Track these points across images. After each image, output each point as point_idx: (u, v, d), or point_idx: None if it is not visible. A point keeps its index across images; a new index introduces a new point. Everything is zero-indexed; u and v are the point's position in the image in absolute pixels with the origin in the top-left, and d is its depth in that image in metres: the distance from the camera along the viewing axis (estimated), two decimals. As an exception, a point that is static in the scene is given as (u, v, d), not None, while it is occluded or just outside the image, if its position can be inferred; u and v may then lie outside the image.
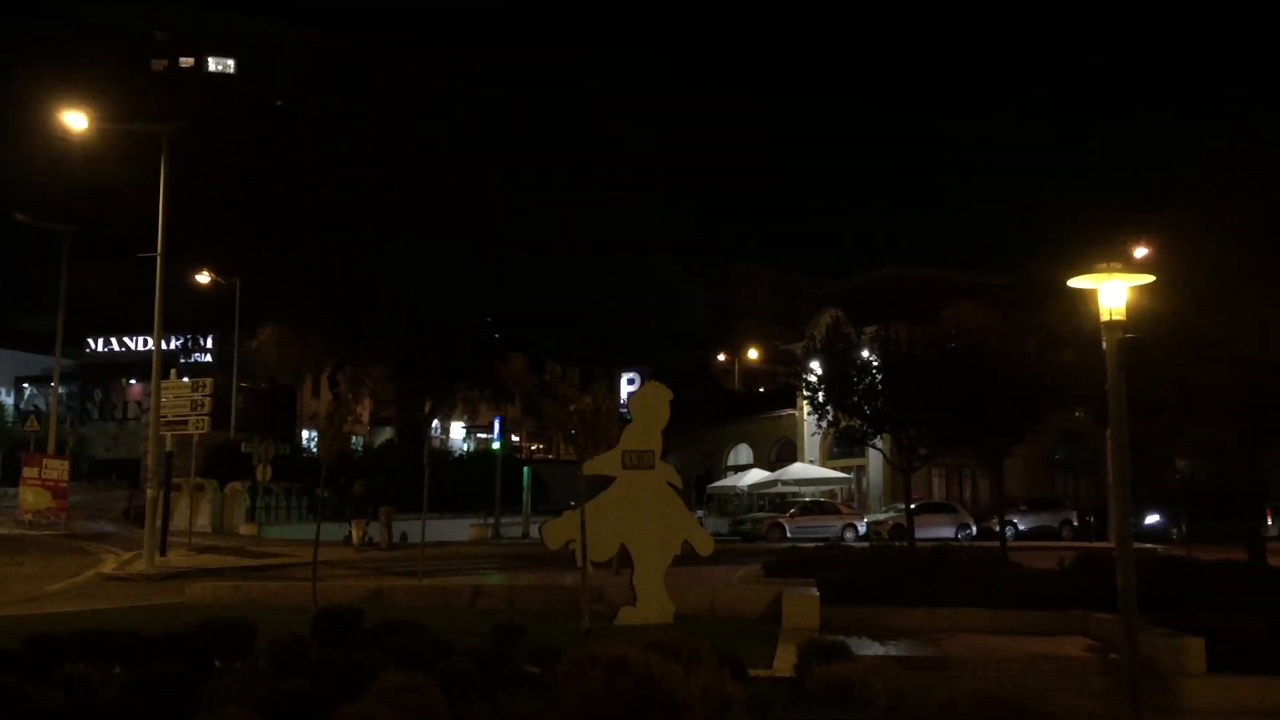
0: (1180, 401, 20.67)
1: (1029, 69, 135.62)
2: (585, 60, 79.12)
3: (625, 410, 17.41)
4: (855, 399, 26.78)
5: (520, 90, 54.06)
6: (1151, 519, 40.76)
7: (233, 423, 48.64)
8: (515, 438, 71.56)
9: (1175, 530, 39.39)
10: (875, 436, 27.62)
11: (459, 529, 41.40)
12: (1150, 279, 10.69)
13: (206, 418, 28.74)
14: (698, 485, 59.29)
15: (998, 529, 28.91)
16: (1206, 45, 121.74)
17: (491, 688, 8.01)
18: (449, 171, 48.86)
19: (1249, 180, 21.21)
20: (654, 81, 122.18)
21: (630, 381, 47.10)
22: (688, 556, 16.53)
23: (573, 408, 14.83)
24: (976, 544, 31.35)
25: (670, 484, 16.29)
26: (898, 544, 29.51)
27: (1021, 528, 41.44)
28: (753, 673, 9.56)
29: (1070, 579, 18.63)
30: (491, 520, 42.39)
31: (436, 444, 70.26)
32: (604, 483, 16.12)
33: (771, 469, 54.03)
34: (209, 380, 29.81)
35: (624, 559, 17.23)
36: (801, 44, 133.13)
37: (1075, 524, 44.29)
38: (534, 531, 33.66)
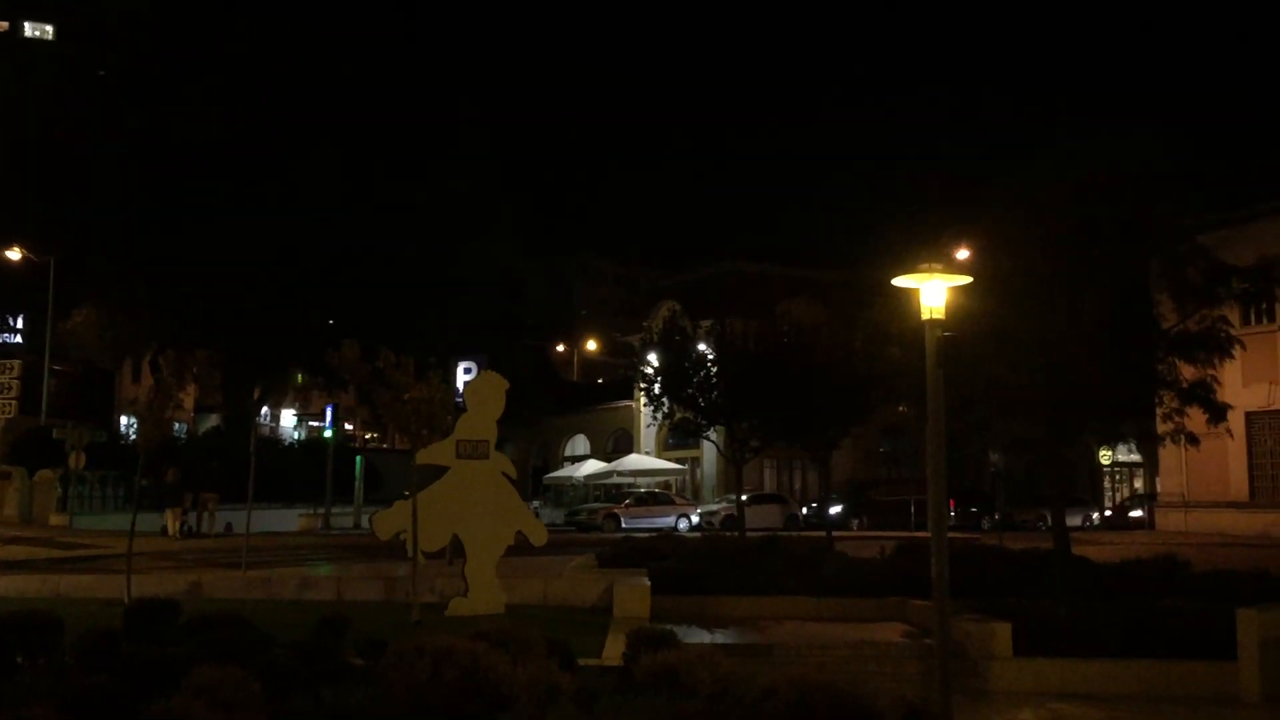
0: (994, 398, 21.61)
1: (867, 70, 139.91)
2: (427, 42, 77.83)
3: (461, 400, 17.24)
4: (690, 391, 27.19)
5: (361, 71, 52.71)
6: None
7: (44, 407, 46.13)
8: (349, 426, 70.04)
9: (986, 520, 41.33)
10: (709, 428, 28.10)
11: (287, 519, 40.25)
12: (968, 280, 11.15)
13: (14, 401, 27.29)
14: (534, 476, 59.27)
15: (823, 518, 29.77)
16: (1038, 51, 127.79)
17: (315, 681, 7.83)
18: (281, 151, 47.38)
19: (1065, 186, 22.29)
20: (496, 69, 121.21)
21: (467, 371, 46.61)
22: (521, 547, 16.50)
23: (407, 396, 14.62)
24: (804, 534, 32.23)
25: (504, 474, 16.24)
26: (729, 534, 30.10)
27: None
28: (582, 662, 9.61)
29: (890, 567, 19.33)
30: (321, 510, 41.40)
31: (266, 432, 68.18)
32: (438, 472, 15.95)
33: (608, 460, 54.40)
34: (16, 363, 28.30)
35: (457, 549, 17.09)
36: (644, 40, 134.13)
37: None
38: (365, 522, 33.02)
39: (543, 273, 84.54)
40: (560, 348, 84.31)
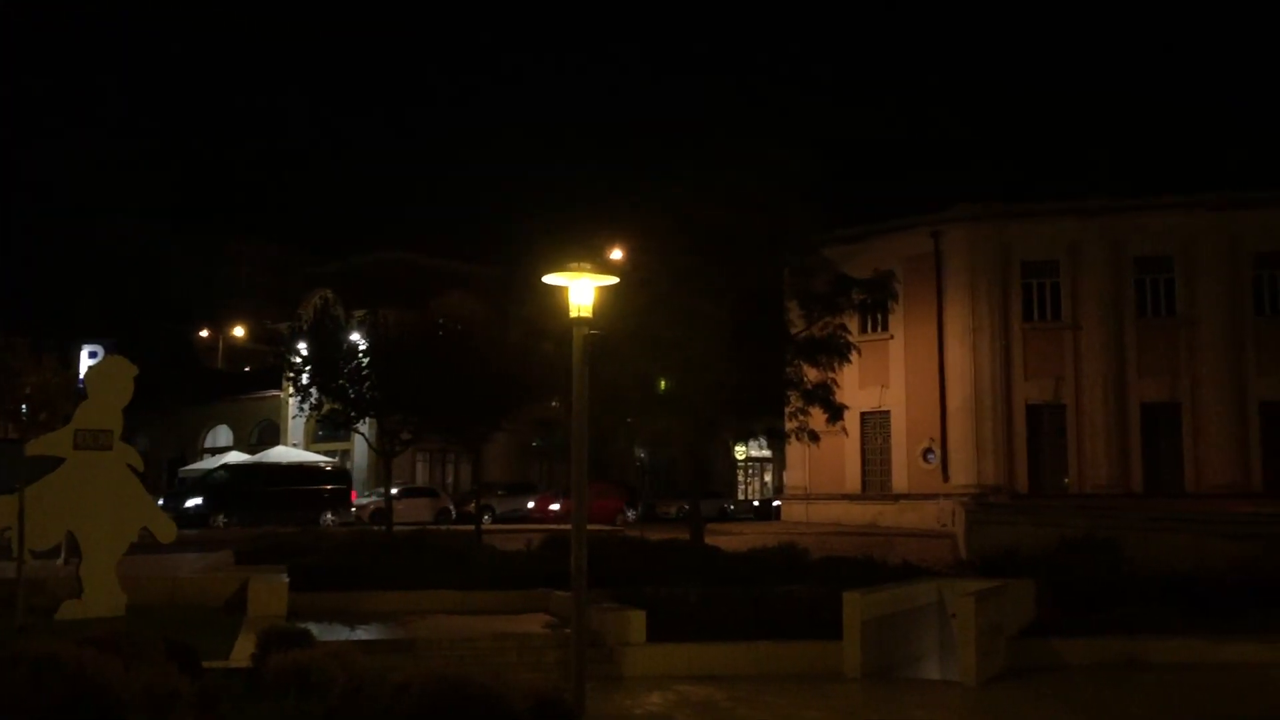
0: (640, 396, 22.54)
1: (533, 65, 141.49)
2: (62, 12, 71.33)
3: (84, 385, 15.92)
4: (341, 382, 26.49)
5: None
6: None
7: None
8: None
9: (632, 511, 43.00)
10: (359, 420, 27.49)
11: None
12: (616, 280, 11.54)
13: None
14: (169, 468, 55.66)
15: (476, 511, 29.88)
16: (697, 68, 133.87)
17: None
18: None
19: (710, 195, 23.52)
20: (147, 37, 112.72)
21: (92, 355, 42.98)
22: (151, 544, 15.48)
23: (24, 381, 13.39)
24: (454, 527, 32.21)
25: (130, 466, 15.16)
26: (377, 528, 29.57)
27: (499, 511, 43.17)
28: (207, 664, 9.14)
29: (537, 559, 19.73)
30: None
31: None
32: (55, 464, 14.67)
33: (252, 451, 51.95)
34: None
35: (75, 548, 15.79)
36: (302, 24, 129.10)
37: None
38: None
39: (188, 253, 79.45)
40: (204, 333, 79.59)
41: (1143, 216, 36.29)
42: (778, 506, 44.92)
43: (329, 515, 38.44)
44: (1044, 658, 14.89)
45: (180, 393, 55.35)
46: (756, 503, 52.88)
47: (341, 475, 42.37)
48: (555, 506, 40.92)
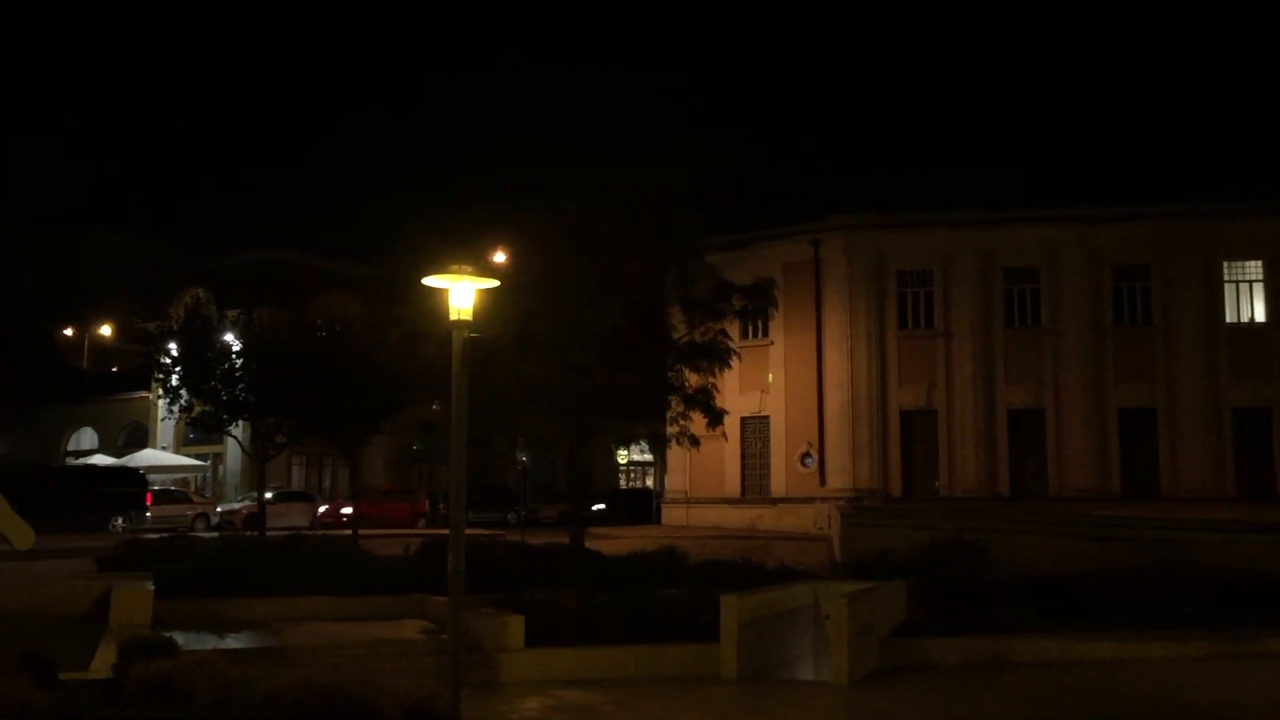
0: (523, 399, 22.47)
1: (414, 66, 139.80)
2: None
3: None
4: (213, 384, 25.78)
5: None
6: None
7: None
8: None
9: (512, 515, 42.71)
10: (232, 423, 26.80)
11: None
12: (497, 283, 11.47)
13: None
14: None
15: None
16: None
17: None
18: None
19: (597, 200, 23.61)
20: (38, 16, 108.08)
21: (-57, 353, 41.06)
22: (5, 552, 14.76)
23: None
24: (329, 532, 31.60)
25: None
26: (249, 533, 28.83)
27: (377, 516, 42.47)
28: (65, 676, 8.79)
29: (415, 565, 19.48)
30: None
31: None
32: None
33: (119, 455, 50.20)
34: None
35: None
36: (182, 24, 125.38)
37: (428, 511, 46.36)
38: None
39: (52, 248, 76.32)
40: (69, 332, 76.51)
41: (1012, 229, 37.50)
42: (658, 508, 45.13)
43: (119, 521, 36.51)
44: (914, 658, 15.27)
45: (42, 393, 53.16)
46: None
47: (134, 477, 39.94)
48: (348, 511, 39.19)
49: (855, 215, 38.33)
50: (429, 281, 11.37)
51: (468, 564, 12.82)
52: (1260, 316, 36.47)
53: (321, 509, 42.20)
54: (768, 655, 15.00)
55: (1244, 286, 36.67)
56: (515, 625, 14.04)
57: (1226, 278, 36.63)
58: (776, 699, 13.25)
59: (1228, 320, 36.43)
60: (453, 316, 11.12)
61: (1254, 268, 36.60)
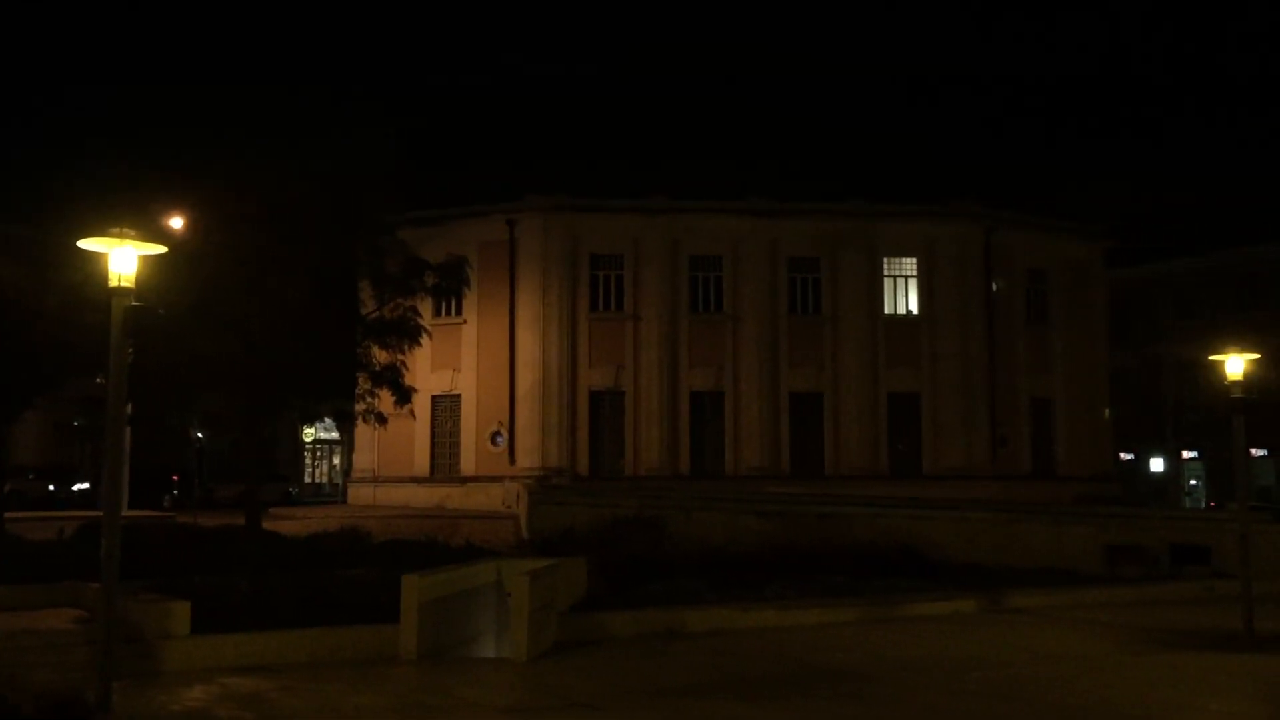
0: (198, 373, 21.31)
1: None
2: None
3: None
4: None
5: None
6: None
7: None
8: None
9: (167, 498, 40.47)
10: None
11: None
12: (163, 249, 10.79)
13: None
14: None
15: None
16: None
17: None
18: None
19: (283, 168, 22.56)
20: None
21: None
22: None
23: None
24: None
25: None
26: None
27: (31, 498, 39.08)
28: None
29: (70, 549, 18.12)
30: None
31: None
32: None
33: None
34: None
35: None
36: None
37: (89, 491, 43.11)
38: None
39: None
40: None
41: (698, 218, 39.18)
42: (340, 486, 44.04)
43: None
44: (592, 631, 15.71)
45: None
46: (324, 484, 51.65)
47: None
48: None
49: (550, 196, 38.81)
50: (85, 244, 10.59)
51: (129, 548, 12.07)
52: (914, 309, 39.93)
53: None
54: (450, 634, 14.97)
55: (900, 281, 40.04)
56: (180, 611, 13.30)
57: (886, 272, 39.88)
58: (456, 677, 13.26)
59: (886, 312, 39.67)
60: (112, 283, 10.41)
61: (909, 264, 40.02)
